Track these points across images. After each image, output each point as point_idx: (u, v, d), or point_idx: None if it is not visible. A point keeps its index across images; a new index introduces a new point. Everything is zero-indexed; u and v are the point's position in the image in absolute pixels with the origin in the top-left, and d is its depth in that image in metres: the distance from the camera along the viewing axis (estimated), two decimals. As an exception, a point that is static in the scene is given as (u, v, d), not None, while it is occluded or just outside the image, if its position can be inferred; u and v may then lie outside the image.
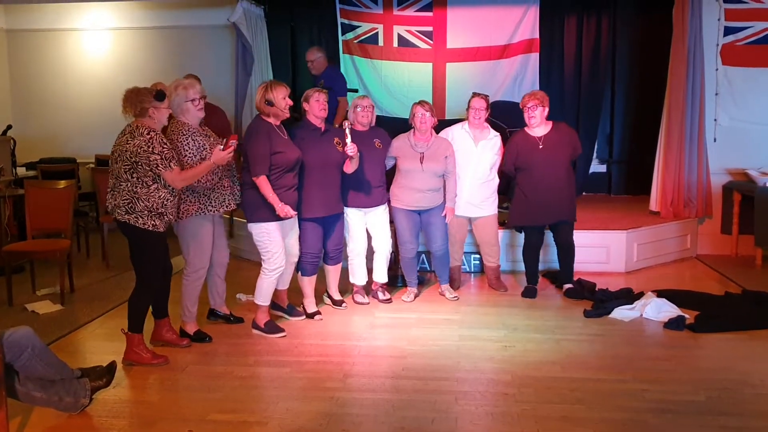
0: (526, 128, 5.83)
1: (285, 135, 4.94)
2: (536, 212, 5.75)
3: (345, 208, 5.47)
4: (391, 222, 5.77)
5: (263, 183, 4.72)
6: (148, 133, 4.22)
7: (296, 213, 4.86)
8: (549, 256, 6.41)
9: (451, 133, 5.87)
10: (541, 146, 5.69)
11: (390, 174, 5.74)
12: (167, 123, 4.46)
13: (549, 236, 6.08)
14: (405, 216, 5.65)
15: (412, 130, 5.64)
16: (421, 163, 5.52)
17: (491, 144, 5.87)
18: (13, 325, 3.64)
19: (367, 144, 5.43)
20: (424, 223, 5.72)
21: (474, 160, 5.80)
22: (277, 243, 4.88)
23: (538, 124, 5.73)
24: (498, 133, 5.98)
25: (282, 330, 5.01)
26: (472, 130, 5.85)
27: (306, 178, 5.09)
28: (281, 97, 4.83)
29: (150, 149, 4.18)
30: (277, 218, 4.82)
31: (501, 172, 6.03)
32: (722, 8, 7.30)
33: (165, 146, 4.25)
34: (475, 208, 5.91)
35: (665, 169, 7.36)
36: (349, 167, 5.24)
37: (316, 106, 5.12)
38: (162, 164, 4.21)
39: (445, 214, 5.66)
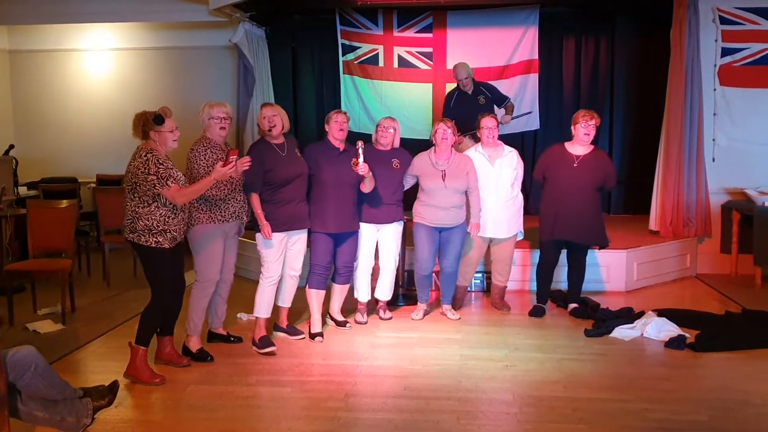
0: (566, 143, 5.83)
1: (284, 152, 5.02)
2: (558, 226, 5.71)
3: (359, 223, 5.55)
4: (404, 238, 5.79)
5: (253, 200, 4.92)
6: (145, 155, 4.33)
7: (271, 237, 4.90)
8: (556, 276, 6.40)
9: (464, 154, 5.88)
10: (575, 165, 5.68)
11: (409, 193, 5.78)
12: (175, 145, 4.49)
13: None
14: (426, 232, 5.65)
15: (433, 147, 5.67)
16: (443, 180, 5.54)
17: (507, 160, 5.86)
18: (14, 344, 3.62)
19: (385, 163, 5.50)
20: (442, 241, 5.72)
21: (493, 179, 5.79)
22: (274, 253, 4.98)
23: (586, 142, 5.71)
24: (513, 149, 5.98)
25: (272, 345, 5.02)
26: (486, 150, 5.86)
27: (322, 194, 5.20)
28: (261, 117, 5.06)
29: (146, 170, 4.29)
30: (278, 230, 4.95)
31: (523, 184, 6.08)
32: (719, 30, 7.38)
33: (161, 166, 4.32)
34: (501, 229, 5.85)
35: (664, 189, 7.40)
36: (365, 187, 5.30)
37: (335, 127, 5.26)
38: (159, 183, 4.30)
39: (471, 230, 5.67)
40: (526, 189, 8.71)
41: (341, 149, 5.29)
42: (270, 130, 4.99)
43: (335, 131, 5.27)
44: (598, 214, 5.83)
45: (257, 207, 4.91)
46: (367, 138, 5.76)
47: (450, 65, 8.76)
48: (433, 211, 5.59)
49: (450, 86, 8.76)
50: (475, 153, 5.88)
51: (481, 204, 5.69)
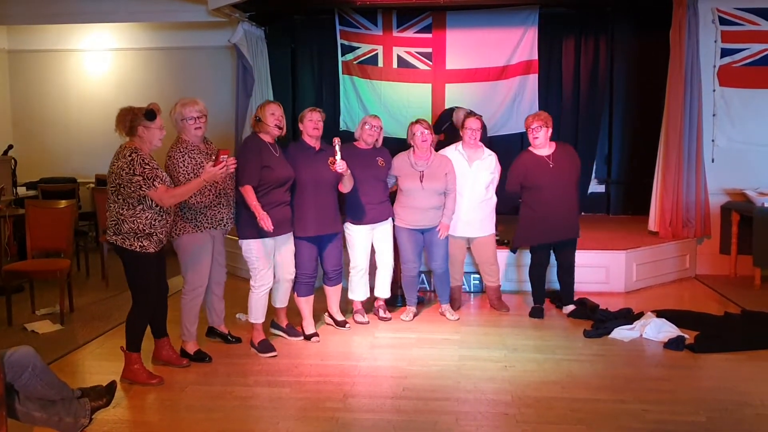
0: (530, 148, 5.86)
1: (277, 152, 4.96)
2: (546, 230, 5.73)
3: (351, 225, 5.51)
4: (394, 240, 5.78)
5: (248, 192, 4.73)
6: (129, 155, 4.19)
7: (273, 228, 4.73)
8: (549, 276, 6.39)
9: (444, 154, 5.88)
10: (551, 165, 5.70)
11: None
12: (160, 144, 4.39)
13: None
14: (407, 235, 5.66)
15: (412, 149, 5.66)
16: (421, 181, 5.54)
17: (486, 164, 5.89)
18: (12, 344, 3.62)
19: (370, 162, 5.48)
20: (426, 242, 5.73)
21: (469, 180, 5.82)
22: (263, 261, 4.91)
23: (541, 145, 5.75)
24: (492, 152, 6.00)
25: (273, 349, 5.01)
26: (466, 151, 5.87)
27: (299, 197, 5.10)
28: (269, 113, 4.90)
29: (131, 171, 4.15)
30: (264, 235, 4.82)
31: (498, 191, 6.07)
32: (719, 30, 7.37)
33: (147, 166, 4.19)
34: (473, 229, 5.92)
35: (664, 190, 7.40)
36: (344, 187, 5.25)
37: (310, 126, 5.14)
38: (144, 184, 4.17)
39: (440, 230, 5.64)
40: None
41: (317, 148, 5.18)
42: (279, 127, 4.92)
43: (310, 129, 5.14)
44: (577, 206, 5.93)
45: (252, 199, 4.70)
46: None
47: (449, 65, 8.80)
48: (411, 212, 5.59)
49: (449, 87, 8.81)
50: (454, 152, 5.88)
51: (455, 207, 5.68)
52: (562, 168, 5.71)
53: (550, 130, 5.78)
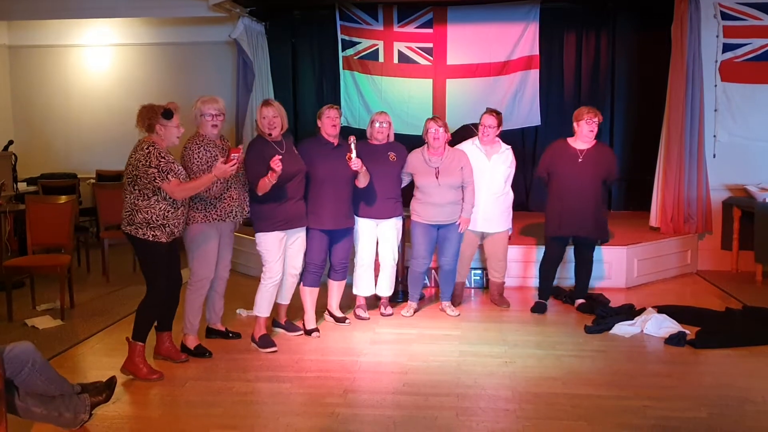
0: (569, 138, 5.84)
1: (284, 149, 4.97)
2: (561, 224, 5.73)
3: (357, 217, 5.51)
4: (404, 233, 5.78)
5: (258, 183, 4.77)
6: (147, 148, 4.34)
7: (280, 163, 4.67)
8: (561, 273, 6.38)
9: (462, 149, 5.87)
10: (580, 160, 5.69)
11: (407, 190, 5.77)
12: (177, 142, 4.50)
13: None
14: (423, 230, 5.65)
15: (426, 145, 5.65)
16: (437, 177, 5.53)
17: (503, 157, 5.88)
18: (13, 340, 3.64)
19: (381, 157, 5.49)
20: (440, 238, 5.72)
21: (487, 174, 5.80)
22: (274, 253, 4.94)
23: (588, 140, 5.72)
24: (509, 146, 5.99)
25: (273, 345, 5.01)
26: (484, 146, 5.87)
27: (317, 191, 5.16)
28: (261, 118, 4.97)
29: (147, 163, 4.29)
30: (278, 229, 4.89)
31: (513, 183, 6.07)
32: (721, 25, 7.36)
33: (163, 159, 4.33)
34: (490, 224, 5.89)
35: (665, 185, 7.39)
36: (360, 182, 5.28)
37: (328, 123, 5.22)
38: (159, 177, 4.30)
39: (460, 224, 5.63)
40: (526, 186, 8.75)
41: (335, 144, 5.25)
42: (270, 134, 4.94)
43: (328, 127, 5.23)
44: (603, 208, 5.86)
45: (263, 180, 4.71)
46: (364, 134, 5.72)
47: (450, 61, 8.77)
48: (428, 208, 5.58)
49: (450, 82, 8.78)
50: (472, 146, 5.88)
51: (474, 200, 5.67)
52: (589, 165, 5.67)
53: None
